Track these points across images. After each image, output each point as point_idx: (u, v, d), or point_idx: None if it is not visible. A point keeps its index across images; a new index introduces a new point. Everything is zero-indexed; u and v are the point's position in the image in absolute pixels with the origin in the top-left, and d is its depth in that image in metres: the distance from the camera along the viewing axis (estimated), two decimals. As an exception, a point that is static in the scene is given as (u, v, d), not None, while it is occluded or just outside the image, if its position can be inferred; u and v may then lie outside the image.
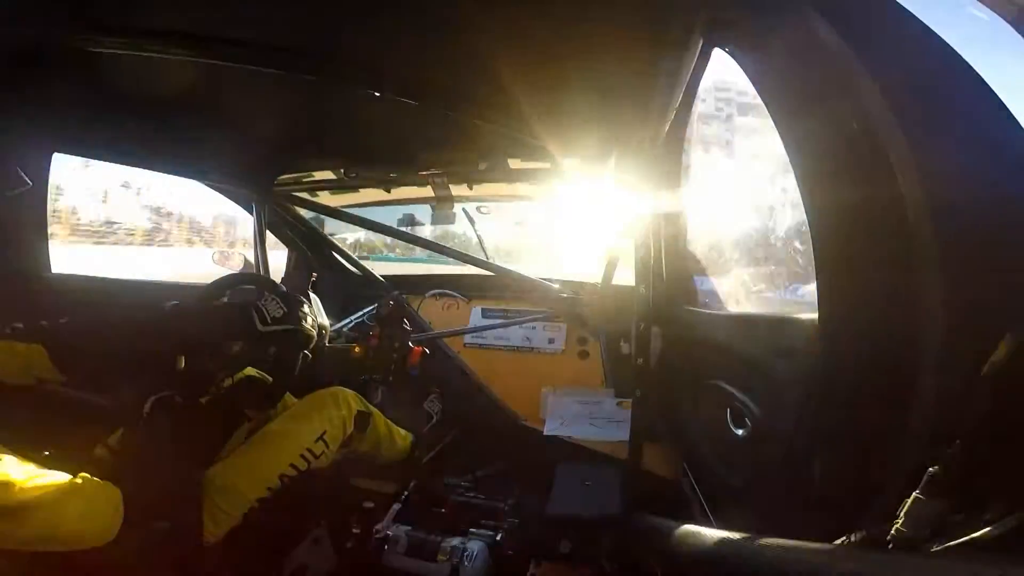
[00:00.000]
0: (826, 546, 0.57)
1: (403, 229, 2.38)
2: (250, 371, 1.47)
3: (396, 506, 1.48)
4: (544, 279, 2.44)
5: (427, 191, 2.20)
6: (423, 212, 2.38)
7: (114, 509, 0.93)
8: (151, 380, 1.18)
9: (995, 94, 0.56)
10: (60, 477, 0.88)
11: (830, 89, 0.67)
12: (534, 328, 2.34)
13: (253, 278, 1.61)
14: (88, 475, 0.93)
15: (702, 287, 1.85)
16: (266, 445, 1.28)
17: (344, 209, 2.35)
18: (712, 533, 1.11)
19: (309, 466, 1.28)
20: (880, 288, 0.67)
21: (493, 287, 2.50)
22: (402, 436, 1.75)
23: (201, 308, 1.35)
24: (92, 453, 1.16)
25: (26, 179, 1.47)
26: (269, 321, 1.31)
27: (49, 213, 1.73)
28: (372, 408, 1.63)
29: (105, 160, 1.77)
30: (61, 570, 0.87)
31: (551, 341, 2.30)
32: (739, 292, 1.75)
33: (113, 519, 0.92)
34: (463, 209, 2.39)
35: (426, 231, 2.73)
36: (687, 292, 1.83)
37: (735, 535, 0.84)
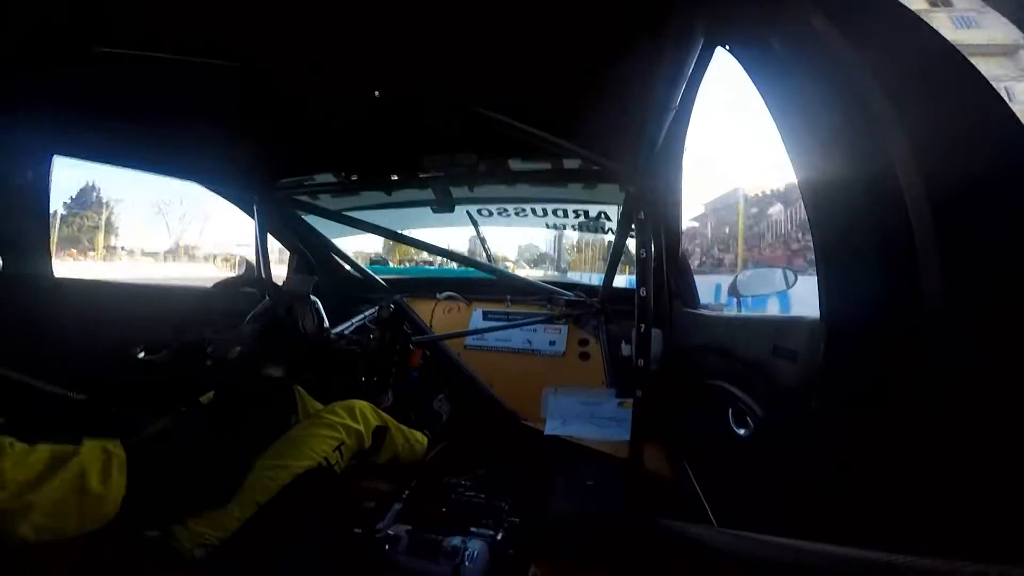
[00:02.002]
0: (828, 546, 0.57)
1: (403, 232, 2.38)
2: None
3: (397, 505, 1.48)
4: (545, 281, 2.44)
5: (428, 193, 2.20)
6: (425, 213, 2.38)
7: (115, 483, 0.92)
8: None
9: (994, 90, 0.56)
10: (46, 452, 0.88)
11: (829, 85, 0.67)
12: (535, 330, 2.34)
13: (256, 282, 1.62)
14: (90, 445, 0.92)
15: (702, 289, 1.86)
16: (284, 451, 1.29)
17: (345, 212, 2.36)
18: (714, 533, 1.11)
19: (319, 468, 1.30)
20: (882, 287, 0.66)
21: (494, 289, 2.50)
22: (419, 441, 1.76)
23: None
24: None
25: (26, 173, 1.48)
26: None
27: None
28: (389, 419, 1.64)
29: (107, 163, 1.77)
30: None
31: (552, 343, 2.30)
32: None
33: (114, 496, 0.91)
34: (467, 212, 2.39)
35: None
36: (687, 294, 1.84)
37: (736, 534, 0.84)
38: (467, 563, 1.22)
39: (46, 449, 0.88)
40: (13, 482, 0.82)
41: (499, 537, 1.34)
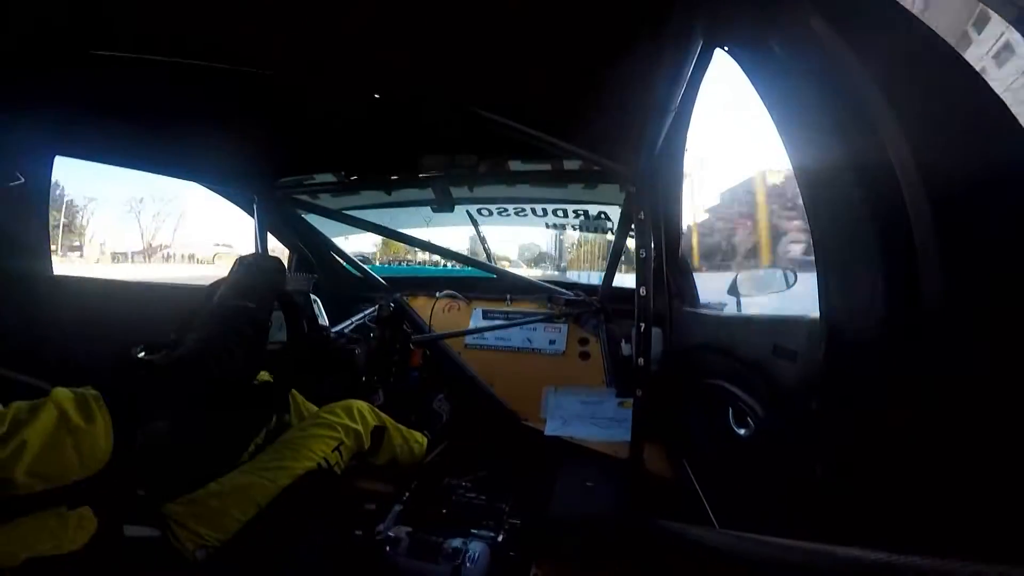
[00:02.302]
0: (828, 546, 0.57)
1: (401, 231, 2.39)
2: (264, 375, 1.48)
3: (397, 507, 1.48)
4: (545, 280, 2.44)
5: (428, 193, 2.21)
6: (425, 212, 2.39)
7: (106, 439, 0.87)
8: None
9: (993, 91, 0.56)
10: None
11: (829, 87, 0.67)
12: (535, 329, 2.34)
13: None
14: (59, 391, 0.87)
15: (702, 288, 1.86)
16: (283, 452, 1.28)
17: (344, 211, 2.36)
18: (714, 533, 1.12)
19: (320, 469, 1.30)
20: (881, 286, 0.67)
21: (494, 288, 2.50)
22: (418, 441, 1.76)
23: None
24: None
25: (19, 175, 1.48)
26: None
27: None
28: (387, 419, 1.64)
29: (107, 163, 1.77)
30: None
31: (552, 342, 2.31)
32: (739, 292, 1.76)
33: (105, 448, 0.87)
34: (466, 211, 2.39)
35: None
36: (687, 293, 1.84)
37: (736, 535, 0.84)
38: (468, 564, 1.22)
39: (17, 404, 0.83)
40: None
41: (500, 538, 1.35)
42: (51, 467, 0.81)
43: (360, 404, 1.57)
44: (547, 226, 2.47)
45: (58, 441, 0.81)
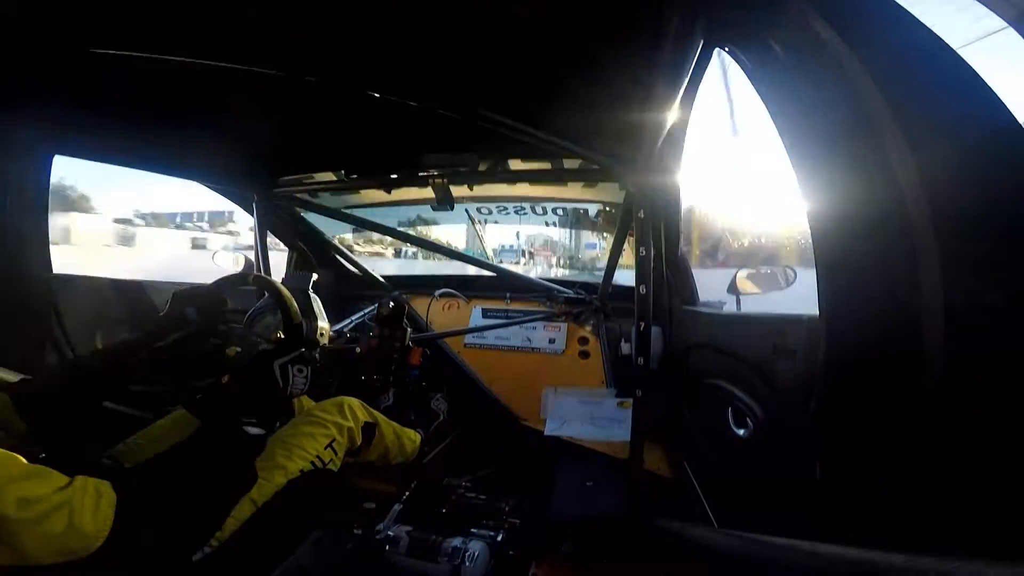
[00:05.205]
0: (828, 546, 0.57)
1: (402, 229, 2.38)
2: None
3: (397, 506, 1.48)
4: (544, 279, 2.44)
5: (427, 192, 2.20)
6: (425, 212, 2.39)
7: (103, 520, 0.86)
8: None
9: (994, 93, 0.56)
10: (48, 487, 0.83)
11: (829, 88, 0.67)
12: (534, 328, 2.34)
13: (256, 279, 1.61)
14: (82, 481, 0.87)
15: (702, 287, 1.86)
16: (275, 450, 1.28)
17: (344, 210, 2.36)
18: (713, 532, 1.12)
19: (315, 469, 1.29)
20: (881, 286, 0.67)
21: (494, 287, 2.50)
22: (411, 439, 1.75)
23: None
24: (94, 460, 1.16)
25: None
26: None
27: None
28: (379, 416, 1.63)
29: (106, 162, 1.77)
30: None
31: (551, 341, 2.30)
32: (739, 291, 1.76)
33: (99, 531, 0.86)
34: (465, 210, 2.39)
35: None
36: (687, 292, 1.84)
37: (736, 534, 0.84)
38: (467, 564, 1.22)
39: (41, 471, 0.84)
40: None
41: (499, 538, 1.35)
42: (32, 552, 0.80)
43: (351, 401, 1.55)
44: (547, 224, 2.47)
45: (52, 532, 0.81)
